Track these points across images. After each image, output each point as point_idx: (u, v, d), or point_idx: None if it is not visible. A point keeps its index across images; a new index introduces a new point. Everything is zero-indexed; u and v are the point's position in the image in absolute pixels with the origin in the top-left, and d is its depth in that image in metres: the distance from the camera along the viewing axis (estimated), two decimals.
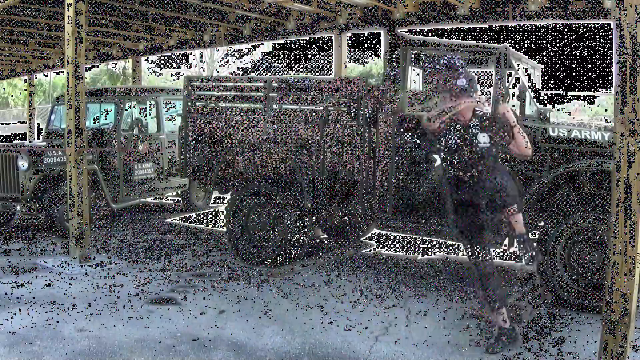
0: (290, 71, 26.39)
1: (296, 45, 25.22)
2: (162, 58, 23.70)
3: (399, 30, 5.83)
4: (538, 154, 4.73)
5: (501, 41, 18.71)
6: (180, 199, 9.34)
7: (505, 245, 4.97)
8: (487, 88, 5.98)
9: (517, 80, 4.99)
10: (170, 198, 10.07)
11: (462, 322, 4.31)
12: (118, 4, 7.83)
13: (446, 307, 4.63)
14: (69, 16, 5.62)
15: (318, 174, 5.59)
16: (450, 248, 6.70)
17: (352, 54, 25.18)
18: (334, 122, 5.48)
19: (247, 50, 25.39)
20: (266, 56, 26.24)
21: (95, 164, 7.23)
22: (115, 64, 25.13)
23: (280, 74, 24.98)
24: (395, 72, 5.25)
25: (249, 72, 25.59)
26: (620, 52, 2.97)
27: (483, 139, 3.79)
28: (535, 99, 5.10)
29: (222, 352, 3.75)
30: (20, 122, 25.42)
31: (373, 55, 24.65)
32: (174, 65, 25.35)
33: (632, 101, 2.95)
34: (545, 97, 5.55)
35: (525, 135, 3.86)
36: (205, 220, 8.48)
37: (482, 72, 6.14)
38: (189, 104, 6.44)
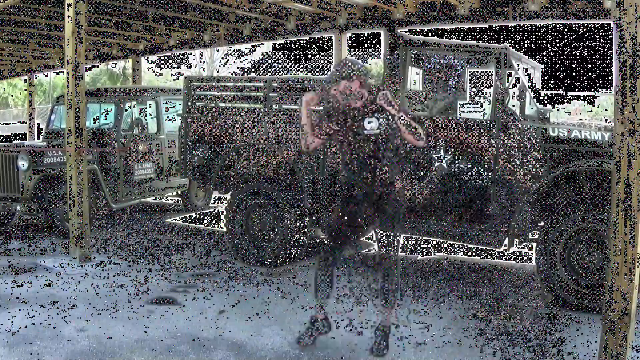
0: (289, 72, 26.40)
1: (296, 45, 25.26)
2: (162, 58, 23.72)
3: (399, 30, 5.83)
4: (538, 154, 4.74)
5: (501, 41, 18.74)
6: (180, 199, 9.34)
7: (505, 245, 4.97)
8: (487, 88, 5.99)
9: (517, 80, 4.99)
10: (170, 198, 10.08)
11: (462, 322, 4.31)
12: (118, 4, 7.84)
13: (446, 307, 4.64)
14: (69, 16, 5.62)
15: (318, 174, 5.59)
16: (450, 248, 6.70)
17: (352, 54, 25.19)
18: None
19: (247, 51, 25.42)
20: (266, 55, 26.27)
21: (95, 164, 7.22)
22: (115, 64, 25.17)
23: (280, 74, 24.99)
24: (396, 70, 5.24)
25: (248, 72, 25.61)
26: (620, 52, 2.97)
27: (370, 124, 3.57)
28: (535, 99, 5.10)
29: (222, 352, 3.75)
30: (20, 122, 25.43)
31: (373, 55, 24.69)
32: (174, 65, 25.38)
33: (632, 101, 2.95)
34: (545, 97, 5.55)
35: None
36: (205, 220, 8.48)
37: (482, 72, 6.14)
38: (189, 104, 6.44)
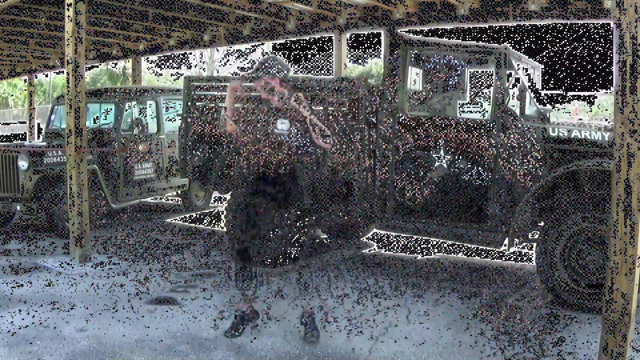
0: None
1: (296, 45, 25.27)
2: (162, 58, 23.73)
3: (399, 30, 5.83)
4: (538, 154, 4.74)
5: (501, 41, 18.74)
6: (180, 199, 9.34)
7: (505, 245, 4.97)
8: (487, 88, 6.00)
9: (517, 80, 4.99)
10: (170, 198, 10.08)
11: (462, 322, 4.31)
12: (118, 4, 7.84)
13: (446, 307, 4.63)
14: (69, 16, 5.62)
15: (318, 174, 5.58)
16: (450, 248, 6.70)
17: (352, 54, 25.20)
18: (334, 122, 5.48)
19: (247, 51, 25.44)
20: (266, 55, 26.26)
21: (95, 164, 7.22)
22: (115, 64, 25.17)
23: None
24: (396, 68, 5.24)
25: (248, 72, 25.57)
26: (620, 52, 2.97)
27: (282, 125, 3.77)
28: (535, 99, 5.10)
29: (222, 352, 3.75)
30: (20, 122, 25.43)
31: (373, 55, 24.70)
32: (174, 65, 25.39)
33: (632, 101, 2.95)
34: (545, 97, 5.56)
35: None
36: (205, 220, 8.48)
37: (482, 72, 6.15)
38: (189, 104, 6.44)
